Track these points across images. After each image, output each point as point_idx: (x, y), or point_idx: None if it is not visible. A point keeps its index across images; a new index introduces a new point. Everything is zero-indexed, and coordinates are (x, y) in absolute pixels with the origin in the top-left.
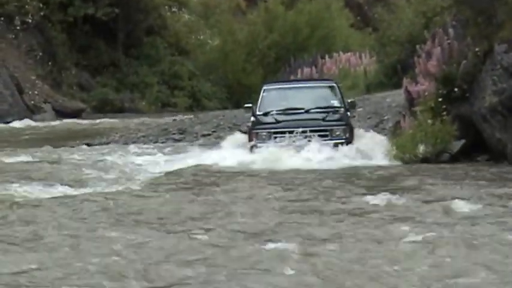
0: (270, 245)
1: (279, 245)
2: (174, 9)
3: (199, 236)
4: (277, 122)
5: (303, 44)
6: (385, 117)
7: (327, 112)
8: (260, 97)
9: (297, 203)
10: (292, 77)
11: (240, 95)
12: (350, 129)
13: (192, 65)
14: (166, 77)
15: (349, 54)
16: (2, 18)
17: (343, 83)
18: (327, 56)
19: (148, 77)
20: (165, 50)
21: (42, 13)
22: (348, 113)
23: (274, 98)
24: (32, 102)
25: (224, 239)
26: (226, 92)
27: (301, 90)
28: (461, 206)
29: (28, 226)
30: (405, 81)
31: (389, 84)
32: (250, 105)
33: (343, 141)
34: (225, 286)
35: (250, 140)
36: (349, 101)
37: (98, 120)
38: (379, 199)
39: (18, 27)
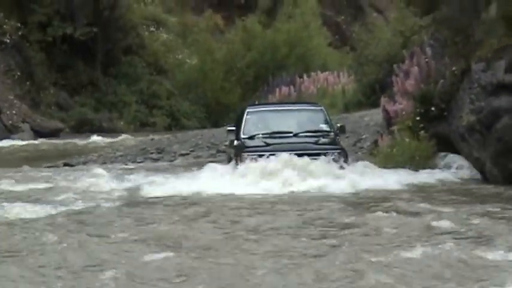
0: None
1: None
2: (152, 29)
3: None
4: (268, 145)
5: (282, 62)
6: (363, 136)
7: (317, 136)
8: (244, 120)
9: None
10: (270, 96)
11: (218, 114)
12: (345, 154)
13: (170, 84)
14: (145, 96)
15: (327, 73)
16: None
17: (321, 102)
18: (305, 75)
19: (127, 96)
20: (144, 69)
21: (20, 33)
22: (338, 138)
23: (258, 121)
24: (10, 122)
25: None
26: (205, 111)
27: (287, 113)
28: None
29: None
30: (383, 100)
31: (367, 103)
32: (233, 128)
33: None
34: None
35: (236, 163)
36: (338, 125)
37: (76, 140)
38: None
39: None
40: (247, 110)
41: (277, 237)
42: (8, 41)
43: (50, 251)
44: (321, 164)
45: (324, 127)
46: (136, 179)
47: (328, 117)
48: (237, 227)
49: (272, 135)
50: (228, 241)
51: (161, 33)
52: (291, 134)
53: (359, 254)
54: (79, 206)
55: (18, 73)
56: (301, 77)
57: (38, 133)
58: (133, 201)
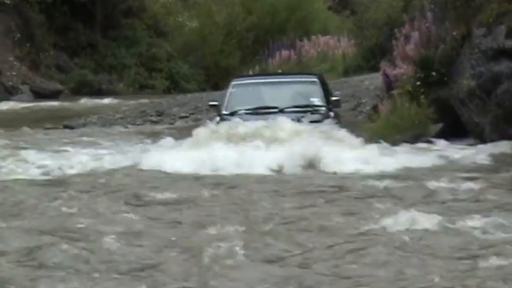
0: None
1: None
2: None
3: None
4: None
5: (282, 26)
6: (363, 101)
7: (305, 112)
8: (228, 94)
9: None
10: (270, 60)
11: (218, 77)
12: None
13: (170, 47)
14: (144, 59)
15: (327, 37)
16: None
17: (322, 66)
18: (305, 39)
19: (126, 58)
20: (143, 32)
21: None
22: (331, 113)
23: (244, 95)
24: (10, 83)
25: None
26: (204, 74)
27: (276, 86)
28: None
29: None
30: (383, 64)
31: (367, 67)
32: (215, 103)
33: None
34: None
35: None
36: (333, 99)
37: (75, 102)
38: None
39: None
40: (233, 83)
41: None
42: (8, 2)
43: None
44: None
45: (316, 101)
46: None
47: (322, 90)
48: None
49: (256, 111)
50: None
51: None
52: (277, 110)
53: None
54: None
55: (18, 34)
56: (301, 40)
57: (37, 94)
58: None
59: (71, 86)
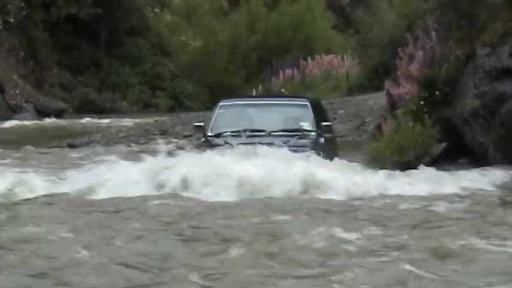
0: None
1: None
2: (156, 10)
3: None
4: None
5: (285, 45)
6: (367, 120)
7: (292, 136)
8: (214, 115)
9: None
10: (274, 79)
11: (222, 96)
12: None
13: (174, 66)
14: (148, 77)
15: (331, 56)
16: None
17: (325, 85)
18: (309, 58)
19: (130, 77)
20: (147, 51)
21: (24, 13)
22: (322, 139)
23: (231, 117)
24: (14, 101)
25: None
26: (208, 93)
27: (265, 108)
28: None
29: None
30: (387, 83)
31: (371, 86)
32: (200, 124)
33: None
34: None
35: None
36: (324, 124)
37: (79, 120)
38: None
39: (0, 27)
40: (220, 104)
41: None
42: (12, 20)
43: None
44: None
45: (306, 125)
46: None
47: (313, 114)
48: None
49: (241, 133)
50: None
51: (165, 14)
52: (264, 133)
53: None
54: None
55: (22, 53)
56: (305, 59)
57: (41, 113)
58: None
59: (75, 105)
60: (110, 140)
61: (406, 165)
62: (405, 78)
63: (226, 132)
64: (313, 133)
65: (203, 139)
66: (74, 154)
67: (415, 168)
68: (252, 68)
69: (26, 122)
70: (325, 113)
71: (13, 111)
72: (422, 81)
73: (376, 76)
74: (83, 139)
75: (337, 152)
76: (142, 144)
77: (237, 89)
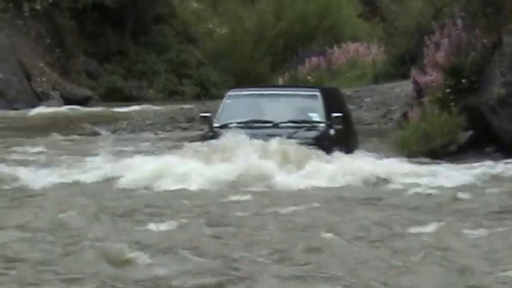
0: None
1: None
2: None
3: None
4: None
5: (311, 33)
6: (393, 108)
7: (300, 128)
8: (221, 105)
9: None
10: (300, 67)
11: (247, 83)
12: (326, 150)
13: (200, 54)
14: (174, 65)
15: (357, 44)
16: (11, 5)
17: (351, 73)
18: (335, 46)
19: (156, 65)
20: (173, 38)
21: (50, 0)
22: (331, 130)
23: (238, 108)
24: (40, 89)
25: None
26: (234, 81)
27: (274, 99)
28: None
29: None
30: (413, 71)
31: (397, 74)
32: (207, 114)
33: None
34: None
35: None
36: (334, 115)
37: (105, 108)
38: None
39: (26, 14)
40: (228, 94)
41: None
42: (39, 8)
43: None
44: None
45: (315, 117)
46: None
47: (323, 105)
48: None
49: (248, 124)
50: None
51: (192, 1)
52: (270, 124)
53: None
54: None
55: (49, 40)
56: (331, 47)
57: (67, 101)
58: None
59: (101, 92)
60: (136, 128)
61: (432, 153)
62: (431, 66)
63: (232, 123)
64: (322, 124)
65: (209, 130)
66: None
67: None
68: (278, 56)
69: (52, 110)
70: (341, 103)
71: (39, 99)
72: (448, 69)
73: (402, 64)
74: (109, 126)
75: (354, 143)
76: (168, 131)
77: (262, 77)
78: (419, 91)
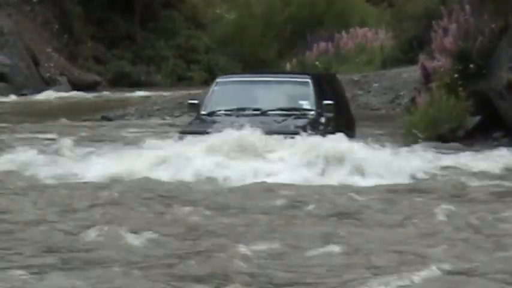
0: None
1: None
2: None
3: None
4: (213, 124)
5: (320, 18)
6: (401, 93)
7: (289, 115)
8: (210, 92)
9: None
10: (308, 53)
11: (256, 69)
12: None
13: (208, 39)
14: (183, 50)
15: (365, 29)
16: None
17: (360, 58)
18: (343, 31)
19: (165, 50)
20: (182, 24)
21: None
22: (322, 118)
23: (226, 95)
24: (48, 74)
25: None
26: (242, 67)
27: (263, 86)
28: None
29: None
30: (421, 57)
31: (405, 59)
32: (194, 101)
33: None
34: None
35: None
36: (325, 103)
37: (113, 93)
38: None
39: (34, 0)
40: (217, 80)
41: None
42: None
43: None
44: None
45: (305, 104)
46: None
47: (314, 92)
48: None
49: (235, 112)
50: None
51: None
52: (258, 112)
53: None
54: None
55: (56, 26)
56: (339, 33)
57: (75, 86)
58: None
59: (109, 78)
60: (144, 113)
61: (440, 138)
62: (439, 52)
63: (220, 111)
64: (312, 112)
65: (196, 118)
66: (109, 127)
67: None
68: (286, 41)
69: (60, 95)
70: (337, 90)
71: (47, 84)
72: (456, 54)
73: (410, 49)
74: (118, 112)
75: (350, 130)
76: (176, 117)
77: (270, 63)
78: (427, 76)
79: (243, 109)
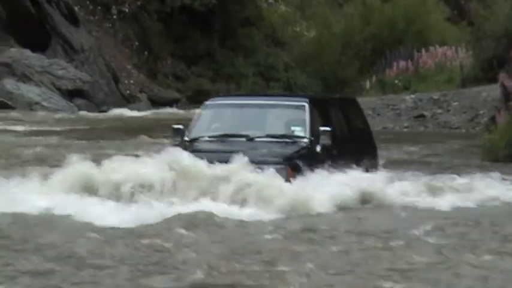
0: None
1: None
2: (270, 1)
3: None
4: (195, 152)
5: (399, 37)
6: (481, 112)
7: (278, 143)
8: (196, 116)
9: None
10: (387, 71)
11: (335, 87)
12: (299, 171)
13: (287, 57)
14: (262, 68)
15: (445, 48)
16: (99, 7)
17: (439, 77)
18: (423, 50)
19: (244, 68)
20: (261, 41)
21: (139, 3)
22: (318, 148)
23: (214, 119)
24: (128, 91)
25: None
26: (322, 85)
27: (255, 109)
28: None
29: None
30: (501, 75)
31: (485, 78)
32: (179, 126)
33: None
34: None
35: None
36: (321, 129)
37: (193, 110)
38: None
39: (114, 16)
40: (206, 103)
41: None
42: (127, 10)
43: None
44: None
45: (297, 131)
46: None
47: (310, 118)
48: None
49: (220, 138)
50: None
51: (279, 5)
52: (244, 139)
53: None
54: None
55: (136, 43)
56: (419, 51)
57: (154, 103)
58: None
59: (188, 95)
60: None
61: None
62: None
63: (204, 136)
64: (304, 140)
65: (178, 144)
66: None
67: None
68: (366, 59)
69: (140, 112)
70: (350, 116)
71: (127, 101)
72: None
73: (490, 68)
74: None
75: (365, 159)
76: None
77: (350, 81)
78: (507, 95)
79: (229, 135)
